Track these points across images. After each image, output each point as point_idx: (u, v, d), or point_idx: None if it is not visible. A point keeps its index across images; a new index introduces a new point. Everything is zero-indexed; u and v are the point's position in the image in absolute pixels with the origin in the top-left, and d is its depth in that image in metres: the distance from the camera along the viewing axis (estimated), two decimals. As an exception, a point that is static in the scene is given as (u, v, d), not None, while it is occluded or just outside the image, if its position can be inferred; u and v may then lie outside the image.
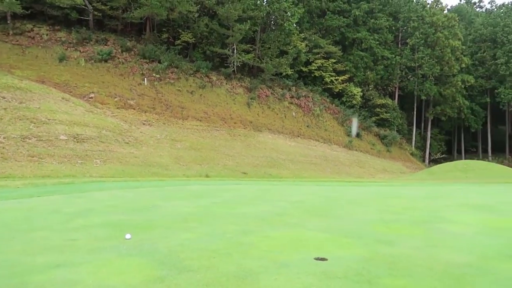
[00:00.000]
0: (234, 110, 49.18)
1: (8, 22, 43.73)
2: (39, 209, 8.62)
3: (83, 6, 46.78)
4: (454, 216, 8.49)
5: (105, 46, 46.94)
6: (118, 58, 46.06)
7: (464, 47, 75.99)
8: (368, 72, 69.71)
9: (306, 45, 62.51)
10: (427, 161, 73.74)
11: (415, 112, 76.89)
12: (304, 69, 63.75)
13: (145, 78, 44.86)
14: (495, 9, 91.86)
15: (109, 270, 4.18)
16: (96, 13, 48.88)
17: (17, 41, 43.27)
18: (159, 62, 47.83)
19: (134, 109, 39.84)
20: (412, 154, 70.35)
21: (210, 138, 40.14)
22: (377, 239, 5.87)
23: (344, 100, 66.33)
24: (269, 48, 56.19)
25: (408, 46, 74.54)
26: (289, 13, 57.10)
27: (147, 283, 3.79)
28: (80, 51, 44.95)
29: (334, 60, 66.10)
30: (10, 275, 3.97)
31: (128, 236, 5.65)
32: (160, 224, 6.69)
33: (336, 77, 65.81)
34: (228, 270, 4.20)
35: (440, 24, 72.86)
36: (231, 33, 51.47)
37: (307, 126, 55.76)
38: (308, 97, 60.52)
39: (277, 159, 40.66)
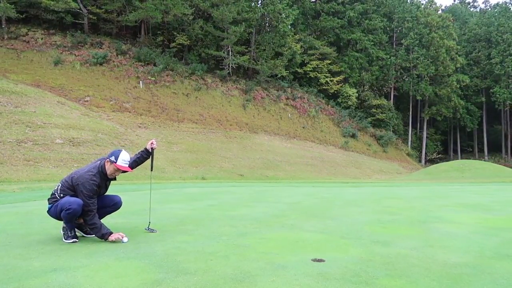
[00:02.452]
0: (230, 112, 49.15)
1: (3, 26, 43.64)
2: (35, 213, 8.60)
3: (78, 10, 46.72)
4: (451, 216, 8.51)
5: (100, 50, 46.88)
6: (113, 61, 45.99)
7: (458, 47, 76.15)
8: (363, 73, 69.78)
9: (301, 47, 62.59)
10: (423, 161, 73.87)
11: (410, 113, 77.00)
12: (299, 70, 63.81)
13: (141, 81, 44.82)
14: (489, 9, 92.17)
15: (106, 273, 4.18)
16: (91, 16, 48.83)
17: (12, 45, 43.14)
18: (155, 65, 47.77)
19: (129, 112, 39.79)
20: (408, 154, 70.48)
21: (206, 140, 40.13)
22: (374, 239, 5.88)
23: (340, 101, 66.35)
24: (264, 49, 56.22)
25: (403, 46, 74.69)
26: (283, 15, 57.15)
27: (144, 286, 3.79)
28: (75, 54, 44.87)
29: (329, 61, 66.15)
30: (7, 280, 3.96)
31: (125, 239, 5.64)
32: (157, 227, 6.68)
33: (331, 78, 65.85)
34: (225, 272, 4.20)
35: (435, 24, 73.00)
36: (226, 35, 51.48)
37: (303, 127, 55.79)
38: (304, 98, 60.54)
39: (273, 161, 40.66)
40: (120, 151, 6.05)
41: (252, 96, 53.44)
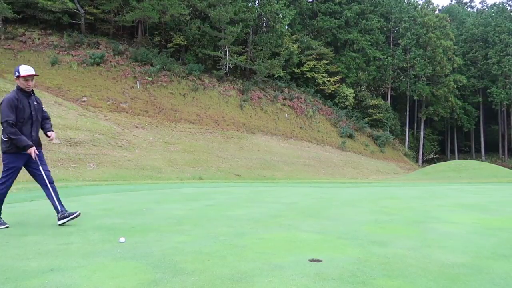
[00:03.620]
0: (227, 112, 49.15)
1: (0, 26, 43.54)
2: (32, 213, 8.59)
3: (75, 10, 46.66)
4: (448, 216, 8.52)
5: (97, 50, 46.84)
6: (111, 61, 45.95)
7: (456, 47, 76.24)
8: (360, 73, 69.79)
9: (298, 47, 62.60)
10: (421, 162, 73.93)
11: (407, 113, 77.04)
12: (296, 70, 63.79)
13: (138, 81, 44.79)
14: (486, 9, 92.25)
15: (104, 274, 4.17)
16: (88, 16, 48.77)
17: (9, 45, 43.09)
18: (152, 65, 47.73)
19: (127, 112, 39.78)
20: (405, 154, 70.51)
21: (203, 140, 40.12)
22: (371, 240, 5.87)
23: (337, 101, 66.34)
24: (261, 50, 56.21)
25: (400, 46, 74.73)
26: (280, 15, 57.16)
27: (141, 286, 3.78)
28: (72, 55, 44.82)
29: (326, 61, 66.15)
30: (4, 280, 3.95)
31: (122, 239, 5.63)
32: (154, 227, 6.67)
33: (329, 78, 65.85)
34: (223, 272, 4.19)
35: (432, 24, 73.12)
36: (223, 35, 51.47)
37: (300, 128, 55.79)
38: (301, 98, 60.55)
39: (270, 161, 40.67)
40: (18, 66, 6.84)
41: (249, 96, 53.43)
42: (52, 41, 45.69)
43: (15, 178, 7.08)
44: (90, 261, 4.62)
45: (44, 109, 7.31)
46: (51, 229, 6.59)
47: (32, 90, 6.91)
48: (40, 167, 6.91)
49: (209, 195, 13.68)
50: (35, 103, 6.96)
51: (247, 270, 4.27)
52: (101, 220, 7.52)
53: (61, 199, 7.09)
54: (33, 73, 6.80)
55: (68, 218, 6.83)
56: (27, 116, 6.72)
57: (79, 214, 7.00)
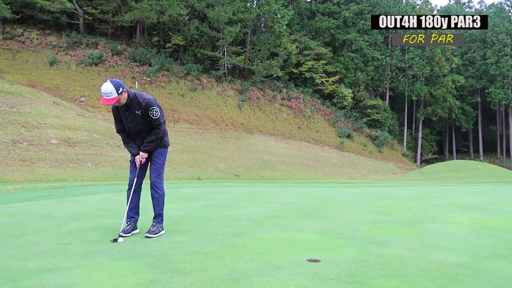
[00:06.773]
0: (225, 112, 49.09)
1: (-2, 26, 43.49)
2: (31, 213, 8.57)
3: (73, 10, 46.61)
4: (446, 216, 8.52)
5: (96, 50, 46.78)
6: (109, 61, 45.88)
7: (454, 47, 76.25)
8: (359, 73, 69.76)
9: (297, 47, 62.55)
10: (419, 162, 73.91)
11: (406, 113, 77.01)
12: (294, 70, 63.72)
13: (136, 82, 44.72)
14: (485, 9, 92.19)
15: (102, 274, 4.17)
16: (86, 16, 48.71)
17: (7, 45, 43.01)
18: (150, 65, 47.65)
19: (125, 112, 39.59)
20: (403, 154, 70.46)
21: (202, 140, 40.06)
22: (370, 240, 5.87)
23: (335, 101, 66.27)
24: (260, 50, 56.14)
25: (398, 47, 74.67)
26: (279, 15, 57.11)
27: (140, 286, 3.78)
28: (70, 55, 44.75)
29: (325, 62, 66.08)
30: (2, 280, 3.95)
31: (120, 240, 5.62)
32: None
33: (327, 79, 65.77)
34: (221, 272, 4.19)
35: (430, 24, 72.87)
36: (221, 35, 51.41)
37: (299, 128, 55.75)
38: (299, 98, 60.48)
39: (269, 161, 40.63)
40: (102, 83, 6.01)
41: (247, 96, 53.41)
42: (51, 41, 45.64)
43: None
44: (88, 261, 4.62)
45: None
46: (49, 229, 6.58)
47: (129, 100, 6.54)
48: None
49: (207, 195, 13.68)
50: (134, 114, 6.72)
51: (246, 270, 4.28)
52: (100, 220, 7.52)
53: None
54: (109, 102, 6.09)
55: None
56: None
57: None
